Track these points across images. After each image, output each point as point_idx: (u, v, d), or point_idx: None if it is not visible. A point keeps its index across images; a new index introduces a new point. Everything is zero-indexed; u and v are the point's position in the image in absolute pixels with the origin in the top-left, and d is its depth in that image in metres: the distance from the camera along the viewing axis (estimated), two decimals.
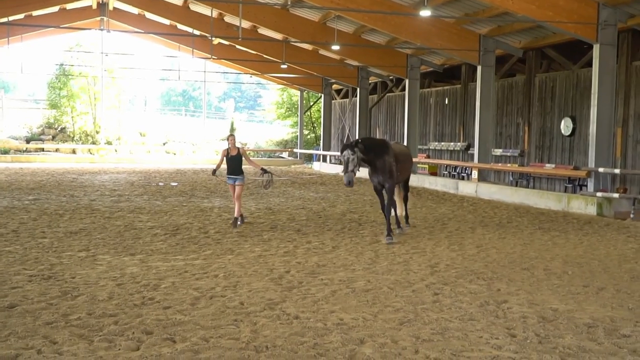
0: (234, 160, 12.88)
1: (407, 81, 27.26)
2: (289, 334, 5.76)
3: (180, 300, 6.91)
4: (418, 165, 26.88)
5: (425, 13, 16.96)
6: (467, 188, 21.51)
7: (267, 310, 6.57)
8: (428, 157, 28.01)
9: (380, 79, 33.73)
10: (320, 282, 7.92)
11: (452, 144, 27.33)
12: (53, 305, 6.61)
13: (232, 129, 47.47)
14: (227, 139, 13.11)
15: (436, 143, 28.65)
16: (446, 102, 28.28)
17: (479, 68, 21.70)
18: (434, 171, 26.48)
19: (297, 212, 15.35)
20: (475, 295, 7.37)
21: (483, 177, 22.07)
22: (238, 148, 12.96)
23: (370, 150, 11.27)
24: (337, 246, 10.74)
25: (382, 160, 11.37)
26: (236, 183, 12.89)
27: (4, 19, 28.46)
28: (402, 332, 5.92)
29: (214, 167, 13.57)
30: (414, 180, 25.16)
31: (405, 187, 12.85)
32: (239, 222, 12.88)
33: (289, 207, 16.37)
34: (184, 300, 6.94)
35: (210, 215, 14.48)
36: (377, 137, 34.24)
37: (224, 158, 12.98)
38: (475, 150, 22.25)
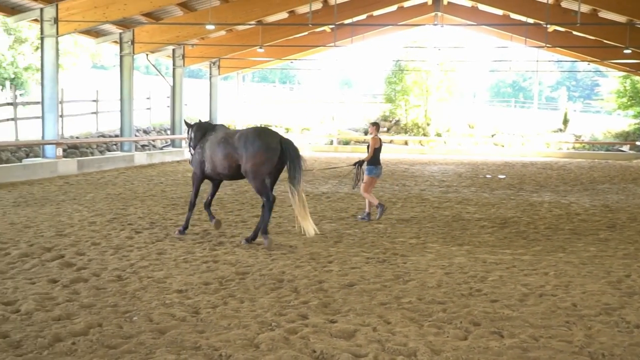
0: (376, 151, 12.18)
1: None
2: (629, 344, 5.26)
3: (508, 295, 6.80)
4: None
5: None
6: None
7: (603, 315, 6.10)
8: None
9: None
10: None
11: None
12: (387, 287, 7.04)
13: (566, 120, 45.04)
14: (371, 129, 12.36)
15: None
16: None
17: None
18: None
19: (639, 211, 13.94)
20: None
21: None
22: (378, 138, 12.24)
23: (195, 133, 10.05)
24: None
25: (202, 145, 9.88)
26: (373, 174, 12.18)
27: (349, 20, 31.14)
28: None
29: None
30: None
31: (257, 190, 9.32)
32: (378, 214, 12.04)
33: (629, 206, 14.95)
34: (511, 295, 6.81)
35: (539, 210, 13.97)
36: None
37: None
38: None
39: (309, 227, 9.05)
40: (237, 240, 9.60)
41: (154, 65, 32.23)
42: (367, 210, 12.20)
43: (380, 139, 12.34)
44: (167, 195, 15.25)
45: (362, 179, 12.13)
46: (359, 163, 12.25)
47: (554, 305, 6.43)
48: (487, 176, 22.76)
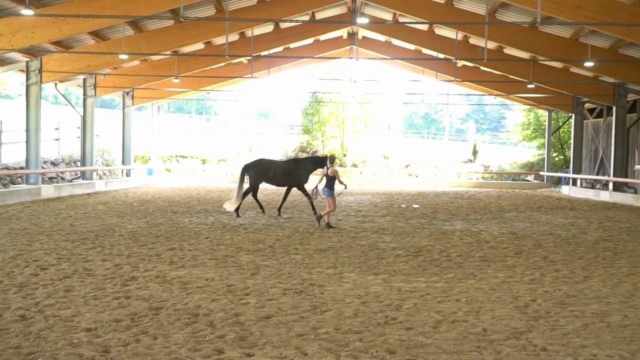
0: (328, 178, 16.11)
1: None
2: None
3: (422, 322, 6.93)
4: None
5: None
6: None
7: (512, 339, 6.31)
8: None
9: None
10: (570, 314, 7.40)
11: None
12: (304, 319, 7.02)
13: (475, 151, 46.77)
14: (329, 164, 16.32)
15: None
16: None
17: None
18: None
19: (543, 238, 14.57)
20: None
21: None
22: (329, 169, 16.10)
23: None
24: (589, 276, 9.97)
25: None
26: (325, 195, 16.18)
27: (265, 52, 31.36)
28: None
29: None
30: None
31: None
32: (322, 223, 16.15)
33: (534, 233, 15.61)
34: (425, 322, 6.95)
35: (451, 238, 14.36)
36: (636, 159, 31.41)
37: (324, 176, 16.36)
38: None
39: (230, 207, 17.61)
40: (151, 275, 9.35)
41: (63, 95, 31.31)
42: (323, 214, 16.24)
43: (328, 168, 16.10)
44: (76, 229, 14.71)
45: (316, 196, 17.12)
46: (316, 187, 16.98)
47: (466, 331, 6.60)
48: (402, 206, 23.24)
